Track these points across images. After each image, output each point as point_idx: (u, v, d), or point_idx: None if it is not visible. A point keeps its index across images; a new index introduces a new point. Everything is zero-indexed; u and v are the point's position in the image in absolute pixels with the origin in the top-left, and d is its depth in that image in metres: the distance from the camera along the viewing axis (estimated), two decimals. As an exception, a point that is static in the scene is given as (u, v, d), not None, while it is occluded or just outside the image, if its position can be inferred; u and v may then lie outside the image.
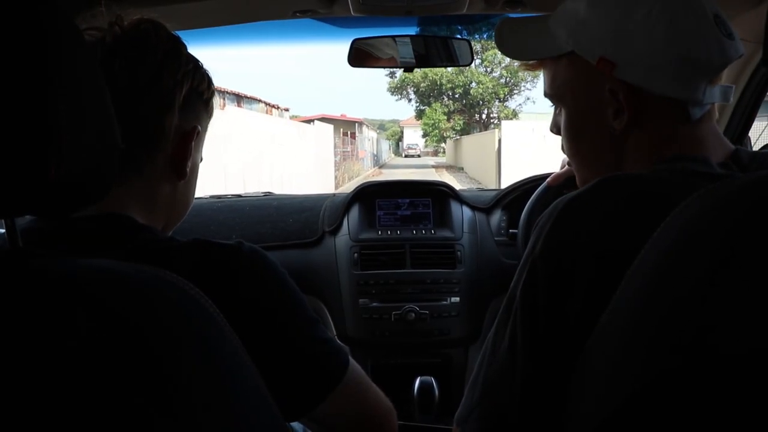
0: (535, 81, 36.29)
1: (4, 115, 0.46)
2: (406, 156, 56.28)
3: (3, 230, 0.57)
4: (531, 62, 0.92)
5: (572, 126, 0.88)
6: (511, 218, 1.90)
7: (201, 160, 0.88)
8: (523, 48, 0.92)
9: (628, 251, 0.60)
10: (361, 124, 36.76)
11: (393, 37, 1.73)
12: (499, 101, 37.05)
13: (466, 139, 32.99)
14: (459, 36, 2.01)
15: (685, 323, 0.48)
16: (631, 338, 0.54)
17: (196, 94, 0.80)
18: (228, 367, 0.52)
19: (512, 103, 38.99)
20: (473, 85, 36.29)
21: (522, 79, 36.34)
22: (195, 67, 0.79)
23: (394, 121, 77.41)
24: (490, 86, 35.75)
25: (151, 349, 0.47)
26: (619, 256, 0.61)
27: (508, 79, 36.24)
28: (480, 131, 33.61)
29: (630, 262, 0.58)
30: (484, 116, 38.32)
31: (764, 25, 1.19)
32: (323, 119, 31.03)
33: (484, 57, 34.03)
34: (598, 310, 0.61)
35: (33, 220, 0.70)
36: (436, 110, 39.37)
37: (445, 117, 39.58)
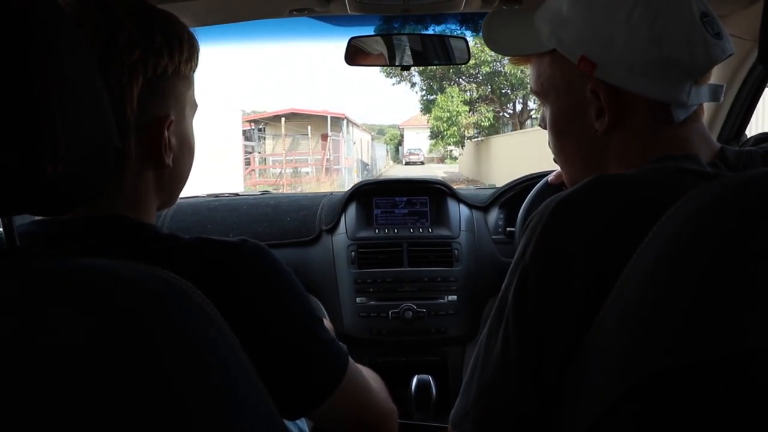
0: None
1: (0, 112, 0.46)
2: (407, 163, 47.45)
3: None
4: (517, 57, 0.92)
5: (556, 124, 0.88)
6: (508, 217, 1.93)
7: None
8: (509, 43, 0.92)
9: (621, 257, 0.60)
10: (342, 120, 26.75)
11: (389, 35, 1.77)
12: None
13: (498, 141, 22.73)
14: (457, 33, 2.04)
15: (679, 325, 0.49)
16: (624, 339, 0.55)
17: (158, 77, 0.74)
18: (226, 368, 0.52)
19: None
20: (506, 60, 19.76)
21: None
22: (146, 54, 0.72)
23: (394, 126, 64.84)
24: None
25: (148, 349, 0.47)
26: (612, 261, 0.62)
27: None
28: (513, 129, 24.70)
29: (623, 267, 0.59)
30: (519, 107, 26.35)
31: (761, 23, 1.21)
32: (292, 114, 24.81)
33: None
34: (591, 316, 0.62)
35: (30, 224, 0.71)
36: (452, 98, 27.06)
37: (467, 108, 27.01)
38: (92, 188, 0.57)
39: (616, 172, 0.82)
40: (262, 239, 1.85)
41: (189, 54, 0.79)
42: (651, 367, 0.51)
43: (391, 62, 1.80)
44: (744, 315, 0.46)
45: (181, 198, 1.53)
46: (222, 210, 1.96)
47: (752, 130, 1.59)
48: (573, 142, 0.87)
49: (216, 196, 2.16)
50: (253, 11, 1.64)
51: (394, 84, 31.63)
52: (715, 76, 0.82)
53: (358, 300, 1.83)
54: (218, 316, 0.55)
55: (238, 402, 0.51)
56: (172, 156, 0.78)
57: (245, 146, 22.30)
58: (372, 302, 1.83)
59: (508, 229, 1.88)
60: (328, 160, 22.55)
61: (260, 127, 25.58)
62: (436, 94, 28.36)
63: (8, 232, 0.55)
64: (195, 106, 0.84)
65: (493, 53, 21.43)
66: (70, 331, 0.46)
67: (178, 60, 0.77)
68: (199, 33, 0.82)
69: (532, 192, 1.62)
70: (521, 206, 1.65)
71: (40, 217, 0.72)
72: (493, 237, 1.94)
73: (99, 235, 0.71)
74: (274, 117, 24.66)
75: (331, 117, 25.53)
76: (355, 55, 1.74)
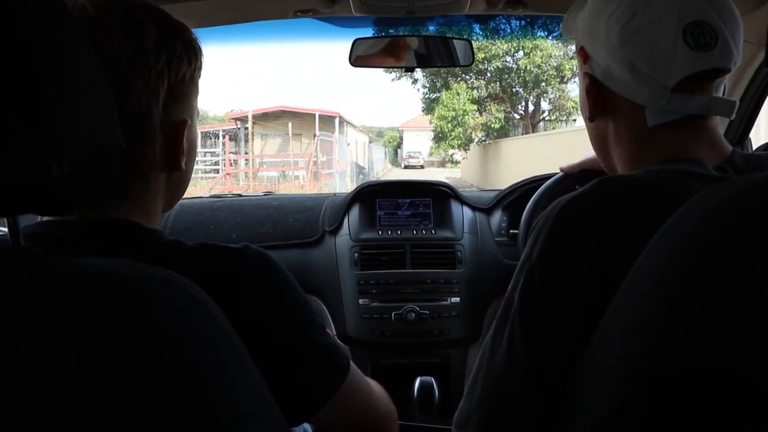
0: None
1: (4, 112, 0.46)
2: (406, 167, 44.90)
3: (4, 228, 0.57)
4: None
5: (579, 103, 0.93)
6: (511, 219, 1.94)
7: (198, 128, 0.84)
8: (567, 23, 0.94)
9: (627, 260, 0.60)
10: (334, 118, 23.90)
11: (393, 36, 1.77)
12: (562, 82, 20.81)
13: (509, 145, 20.03)
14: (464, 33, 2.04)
15: (687, 330, 0.49)
16: (631, 342, 0.55)
17: (178, 83, 0.76)
18: (229, 368, 0.52)
19: (574, 88, 21.18)
20: (519, 54, 20.75)
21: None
22: (170, 59, 0.74)
23: (393, 128, 61.64)
24: (555, 54, 19.97)
25: (151, 348, 0.47)
26: (617, 264, 0.62)
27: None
28: (525, 132, 22.43)
29: (628, 269, 0.60)
30: (531, 107, 23.17)
31: (766, 27, 1.23)
32: (281, 112, 22.96)
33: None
34: (596, 318, 0.62)
35: (35, 225, 0.71)
36: (458, 94, 23.00)
37: (474, 107, 23.01)
38: (96, 187, 0.57)
39: (616, 165, 0.86)
40: (265, 240, 1.87)
41: (201, 61, 0.81)
42: (657, 371, 0.51)
43: (395, 64, 1.80)
44: (751, 321, 0.46)
45: (185, 198, 1.52)
46: (225, 211, 1.96)
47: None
48: (586, 123, 0.92)
49: (219, 196, 2.15)
50: (257, 12, 1.65)
51: (393, 80, 27.65)
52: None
53: (360, 301, 1.83)
54: (221, 316, 0.55)
55: (241, 403, 0.51)
56: (185, 162, 0.80)
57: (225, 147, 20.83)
58: (375, 304, 1.83)
59: (511, 231, 1.89)
60: (315, 163, 20.36)
61: (247, 126, 24.99)
62: (440, 92, 24.56)
63: (12, 231, 0.55)
64: (198, 112, 0.86)
65: (504, 47, 20.18)
66: (70, 331, 0.46)
67: (194, 66, 0.79)
68: (202, 34, 0.82)
69: (534, 195, 1.62)
70: (524, 208, 1.65)
71: (46, 218, 0.72)
72: (496, 239, 1.95)
73: (102, 238, 0.71)
74: (263, 115, 23.21)
75: (321, 115, 23.05)
76: (359, 56, 1.74)
